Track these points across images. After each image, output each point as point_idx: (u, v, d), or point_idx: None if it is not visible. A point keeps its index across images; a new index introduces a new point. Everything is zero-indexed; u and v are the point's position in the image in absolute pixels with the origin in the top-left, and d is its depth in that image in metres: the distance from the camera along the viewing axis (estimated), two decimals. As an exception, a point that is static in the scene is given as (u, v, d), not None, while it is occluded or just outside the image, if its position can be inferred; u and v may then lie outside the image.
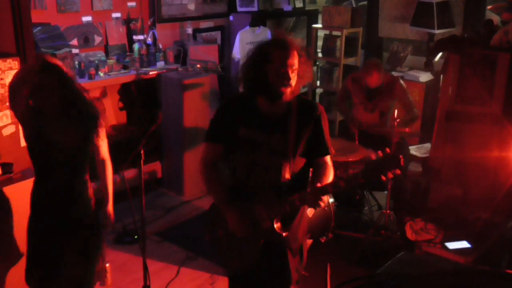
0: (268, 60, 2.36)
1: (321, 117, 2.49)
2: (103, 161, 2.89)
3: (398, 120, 4.01)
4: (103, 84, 4.70)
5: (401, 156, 2.26)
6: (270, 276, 2.58)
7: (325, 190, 2.32)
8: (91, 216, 2.83)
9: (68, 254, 2.77)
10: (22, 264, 3.17)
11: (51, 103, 2.59)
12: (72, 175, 2.73)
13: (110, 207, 2.91)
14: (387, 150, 2.31)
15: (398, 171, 2.26)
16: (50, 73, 2.56)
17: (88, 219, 2.81)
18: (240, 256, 2.56)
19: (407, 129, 4.15)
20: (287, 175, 2.45)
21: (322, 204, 2.32)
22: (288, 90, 2.37)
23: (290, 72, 2.34)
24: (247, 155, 2.48)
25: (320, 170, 2.48)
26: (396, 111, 4.14)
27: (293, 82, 2.37)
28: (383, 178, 2.27)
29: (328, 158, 2.53)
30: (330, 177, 2.46)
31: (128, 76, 4.76)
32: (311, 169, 2.54)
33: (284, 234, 2.45)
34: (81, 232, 2.79)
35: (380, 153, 2.28)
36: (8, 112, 3.16)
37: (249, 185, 2.50)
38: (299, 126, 2.45)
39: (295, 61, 2.35)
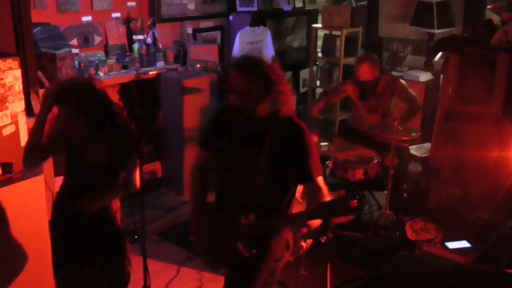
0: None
1: (303, 140, 2.36)
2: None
3: (398, 121, 4.01)
4: (103, 84, 4.69)
5: (356, 200, 2.09)
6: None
7: (308, 215, 2.22)
8: (115, 227, 2.96)
9: (91, 259, 2.85)
10: (22, 263, 3.18)
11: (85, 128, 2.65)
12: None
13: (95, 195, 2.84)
14: (343, 192, 2.25)
15: (350, 218, 2.14)
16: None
17: (113, 228, 2.94)
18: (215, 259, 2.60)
19: (407, 137, 4.10)
20: (258, 194, 2.37)
21: (304, 229, 2.28)
22: (235, 103, 2.33)
23: (231, 92, 2.31)
24: (223, 166, 2.48)
25: (309, 198, 2.42)
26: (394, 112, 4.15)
27: (234, 99, 2.32)
28: (343, 220, 2.15)
29: (319, 181, 2.38)
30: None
31: (128, 76, 4.76)
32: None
33: (246, 254, 2.37)
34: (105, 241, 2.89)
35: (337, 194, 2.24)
36: (8, 112, 3.15)
37: (223, 197, 2.50)
38: (275, 146, 2.34)
39: (235, 82, 2.31)
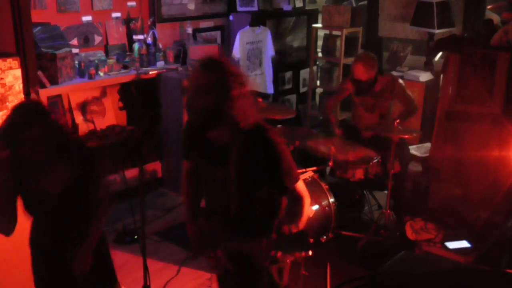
0: None
1: (273, 148, 2.22)
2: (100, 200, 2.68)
3: (398, 121, 4.00)
4: (103, 84, 4.70)
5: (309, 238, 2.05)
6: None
7: (278, 246, 2.13)
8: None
9: None
10: (19, 266, 3.18)
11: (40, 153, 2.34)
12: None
13: (85, 248, 2.56)
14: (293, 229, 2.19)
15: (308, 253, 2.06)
16: (40, 126, 2.31)
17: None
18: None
19: (406, 136, 4.09)
20: (234, 210, 2.31)
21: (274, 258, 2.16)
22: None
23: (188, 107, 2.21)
24: (202, 178, 2.44)
25: (288, 208, 2.33)
26: (394, 112, 4.15)
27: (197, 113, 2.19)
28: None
29: (297, 188, 2.29)
30: (299, 215, 2.26)
31: (128, 76, 4.77)
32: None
33: (228, 267, 2.33)
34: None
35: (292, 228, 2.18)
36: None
37: (208, 207, 2.48)
38: (243, 158, 2.23)
39: (195, 94, 2.17)
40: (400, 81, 4.49)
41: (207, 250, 2.42)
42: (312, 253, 2.06)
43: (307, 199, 2.30)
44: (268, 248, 2.12)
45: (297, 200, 2.29)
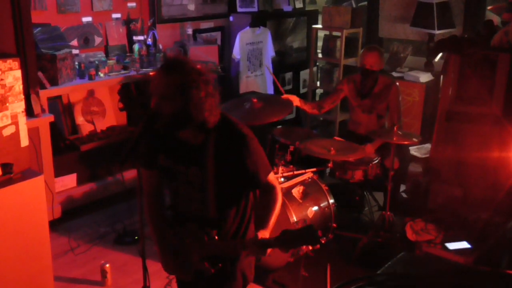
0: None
1: (246, 143, 2.20)
2: None
3: (398, 125, 4.00)
4: (103, 84, 4.70)
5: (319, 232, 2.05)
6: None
7: (268, 244, 2.10)
8: None
9: None
10: (22, 263, 3.17)
11: None
12: None
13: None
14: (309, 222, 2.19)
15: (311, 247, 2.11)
16: None
17: None
18: (178, 271, 2.44)
19: (406, 142, 4.09)
20: (213, 210, 2.26)
21: (263, 256, 2.13)
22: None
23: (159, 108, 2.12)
24: (169, 183, 2.34)
25: (262, 200, 2.27)
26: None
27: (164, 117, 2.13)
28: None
29: (269, 180, 2.27)
30: (274, 207, 2.24)
31: (128, 76, 4.77)
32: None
33: (212, 270, 2.25)
34: None
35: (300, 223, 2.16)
36: (8, 112, 3.16)
37: (179, 213, 2.37)
38: (218, 156, 2.20)
39: (161, 99, 2.11)
40: (398, 86, 4.48)
41: (186, 264, 2.32)
42: (318, 246, 2.05)
43: (278, 188, 2.29)
44: (253, 247, 2.11)
45: (270, 190, 2.27)
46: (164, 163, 2.30)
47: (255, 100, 4.03)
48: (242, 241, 2.25)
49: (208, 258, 2.23)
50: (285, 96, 4.42)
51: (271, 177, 2.29)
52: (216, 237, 2.21)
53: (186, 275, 2.36)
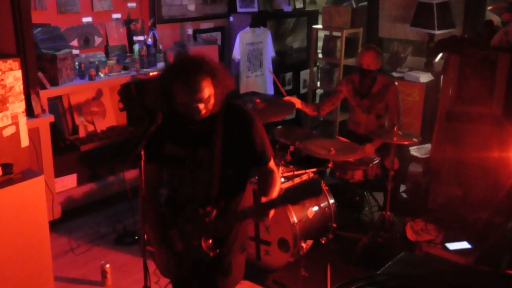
0: (173, 93, 2.22)
1: (252, 124, 2.33)
2: None
3: (397, 126, 4.00)
4: (103, 85, 4.71)
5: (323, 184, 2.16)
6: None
7: (271, 204, 2.17)
8: None
9: None
10: (22, 263, 3.18)
11: None
12: None
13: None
14: (311, 175, 2.25)
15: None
16: None
17: None
18: (175, 268, 2.48)
19: (406, 143, 4.09)
20: (216, 191, 2.33)
21: (267, 219, 2.19)
22: (202, 114, 2.24)
23: (200, 104, 2.20)
24: (175, 171, 2.39)
25: (263, 181, 2.37)
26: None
27: (207, 107, 2.23)
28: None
29: (271, 165, 2.39)
30: (275, 186, 2.33)
31: (128, 77, 4.77)
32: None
33: (211, 253, 2.34)
34: None
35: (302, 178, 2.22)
36: (8, 113, 3.16)
37: (179, 201, 2.42)
38: (226, 137, 2.30)
39: (204, 92, 2.19)
40: (397, 85, 4.49)
41: (178, 252, 2.38)
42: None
43: (278, 173, 2.42)
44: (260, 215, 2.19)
45: (271, 173, 2.38)
46: (172, 151, 2.36)
47: (258, 100, 4.05)
48: (243, 210, 2.32)
49: (206, 244, 2.31)
50: (287, 98, 4.43)
51: (272, 162, 2.40)
52: (214, 216, 2.30)
53: (183, 269, 2.41)
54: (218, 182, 2.33)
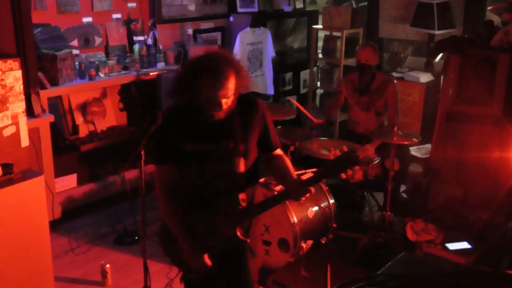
0: (198, 87, 2.23)
1: (265, 112, 2.44)
2: None
3: (397, 125, 4.00)
4: (103, 85, 4.71)
5: (358, 154, 2.23)
6: (231, 281, 2.53)
7: (310, 181, 2.27)
8: None
9: None
10: (22, 263, 3.18)
11: None
12: None
13: None
14: (345, 148, 2.30)
15: (356, 168, 2.27)
16: None
17: None
18: (202, 264, 2.47)
19: (406, 142, 4.10)
20: (242, 180, 2.40)
21: (309, 195, 2.28)
22: (223, 109, 2.27)
23: (224, 100, 2.24)
24: (198, 166, 2.39)
25: (280, 163, 2.46)
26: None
27: (227, 103, 2.27)
28: (343, 175, 2.26)
29: (279, 150, 2.52)
30: (290, 166, 2.46)
31: (129, 77, 4.77)
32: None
33: (248, 240, 2.42)
34: None
35: (337, 152, 2.28)
36: (8, 113, 3.16)
37: (205, 195, 2.42)
38: (244, 127, 2.38)
39: (229, 88, 2.23)
40: (395, 84, 4.50)
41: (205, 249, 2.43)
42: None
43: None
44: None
45: (282, 155, 2.51)
46: (192, 147, 2.37)
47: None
48: (282, 191, 2.38)
49: (241, 232, 2.39)
50: (316, 122, 4.65)
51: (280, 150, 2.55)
52: (244, 204, 2.39)
53: (214, 264, 2.43)
54: (243, 171, 2.39)
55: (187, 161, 2.40)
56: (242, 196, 2.39)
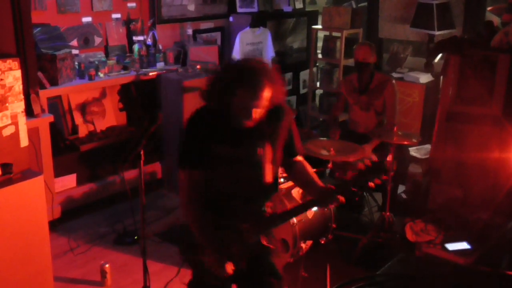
0: (233, 94, 2.23)
1: (291, 117, 2.45)
2: None
3: (397, 126, 4.01)
4: (103, 85, 4.70)
5: (385, 162, 2.30)
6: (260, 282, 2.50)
7: (338, 190, 2.29)
8: None
9: None
10: (22, 263, 3.17)
11: None
12: None
13: None
14: (374, 158, 2.33)
15: (384, 177, 2.30)
16: None
17: None
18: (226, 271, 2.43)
19: (406, 142, 4.10)
20: (268, 186, 2.41)
21: (336, 203, 2.31)
22: (253, 118, 2.27)
23: (257, 109, 2.24)
24: (227, 172, 2.37)
25: (301, 170, 2.48)
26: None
27: (259, 113, 2.28)
28: (371, 184, 2.26)
29: (300, 156, 2.54)
30: (311, 170, 2.49)
31: (128, 77, 4.77)
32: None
33: (272, 246, 2.42)
34: None
35: (368, 162, 2.30)
36: (8, 112, 3.15)
37: (232, 202, 2.40)
38: (273, 134, 2.39)
39: (263, 99, 2.24)
40: (394, 84, 4.51)
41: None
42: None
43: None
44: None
45: (303, 161, 2.53)
46: (222, 151, 2.35)
47: None
48: (312, 200, 2.40)
49: (265, 239, 2.40)
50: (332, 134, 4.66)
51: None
52: (270, 211, 2.42)
53: (238, 270, 2.41)
54: (271, 178, 2.40)
55: (216, 166, 2.36)
56: (268, 203, 2.40)
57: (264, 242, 2.38)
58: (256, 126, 2.32)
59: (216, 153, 2.35)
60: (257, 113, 2.26)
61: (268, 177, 2.39)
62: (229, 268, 2.36)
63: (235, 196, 2.40)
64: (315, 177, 2.44)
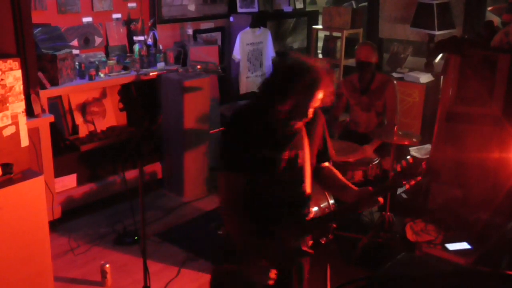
0: (291, 92, 2.15)
1: (325, 121, 2.44)
2: None
3: (397, 126, 4.01)
4: (103, 85, 4.71)
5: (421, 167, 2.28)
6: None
7: (378, 192, 2.27)
8: None
9: None
10: (22, 263, 3.18)
11: None
12: None
13: None
14: (411, 160, 2.30)
15: (419, 178, 2.27)
16: None
17: None
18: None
19: (406, 142, 4.10)
20: (308, 189, 2.38)
21: (378, 205, 2.31)
22: (302, 122, 2.25)
23: (310, 110, 2.21)
24: (268, 176, 2.28)
25: (333, 175, 2.47)
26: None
27: (311, 114, 2.25)
28: (407, 186, 2.26)
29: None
30: (340, 176, 2.48)
31: (128, 77, 4.77)
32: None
33: (311, 252, 2.35)
34: None
35: (404, 163, 2.29)
36: (8, 112, 3.16)
37: (272, 206, 2.31)
38: (310, 137, 2.37)
39: (318, 98, 2.20)
40: (395, 84, 4.52)
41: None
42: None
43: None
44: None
45: (331, 168, 2.51)
46: (263, 154, 2.25)
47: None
48: (354, 203, 2.33)
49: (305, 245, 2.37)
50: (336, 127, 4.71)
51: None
52: (310, 216, 2.38)
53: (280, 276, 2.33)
54: (310, 183, 2.38)
55: (257, 170, 2.27)
56: (308, 208, 2.37)
57: (304, 248, 2.34)
58: (297, 130, 2.29)
59: (258, 156, 2.25)
60: (311, 113, 2.23)
61: (307, 181, 2.35)
62: (273, 275, 2.27)
63: (277, 201, 2.31)
64: (347, 181, 2.41)
